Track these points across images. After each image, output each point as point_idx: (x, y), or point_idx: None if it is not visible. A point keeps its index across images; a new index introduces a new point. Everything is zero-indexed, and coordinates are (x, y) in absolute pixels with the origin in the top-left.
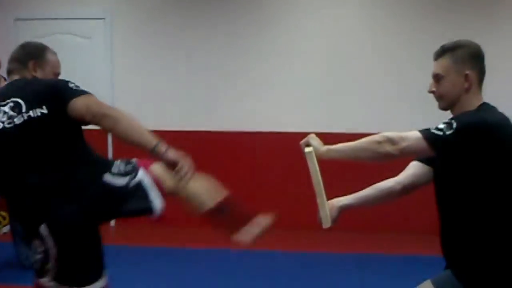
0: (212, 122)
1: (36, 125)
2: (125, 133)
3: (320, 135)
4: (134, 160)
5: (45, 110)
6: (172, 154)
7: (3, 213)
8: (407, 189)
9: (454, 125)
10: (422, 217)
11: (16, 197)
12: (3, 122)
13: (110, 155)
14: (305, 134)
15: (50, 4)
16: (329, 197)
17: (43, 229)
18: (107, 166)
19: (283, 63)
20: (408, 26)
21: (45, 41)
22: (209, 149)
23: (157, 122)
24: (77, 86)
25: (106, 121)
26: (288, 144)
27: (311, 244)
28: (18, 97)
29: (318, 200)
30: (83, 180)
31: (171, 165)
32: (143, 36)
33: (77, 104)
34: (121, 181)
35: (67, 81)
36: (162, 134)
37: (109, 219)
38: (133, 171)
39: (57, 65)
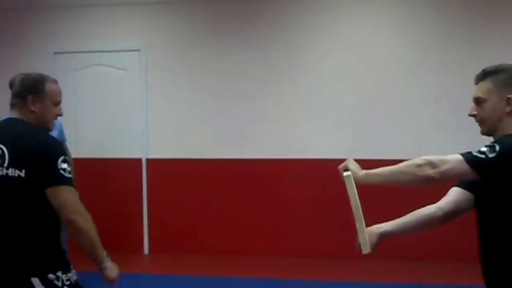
0: (244, 150)
1: (10, 185)
2: (81, 244)
3: (356, 161)
4: None
5: (22, 174)
6: (110, 272)
7: None
8: (449, 215)
9: (497, 148)
10: (460, 245)
11: None
12: None
13: (144, 181)
14: (338, 161)
15: (87, 37)
16: (368, 224)
17: None
18: (57, 261)
19: (316, 89)
20: (448, 48)
21: (82, 73)
22: (242, 177)
23: (191, 152)
24: (66, 170)
25: (70, 228)
26: (322, 171)
27: (347, 272)
28: (6, 147)
29: (357, 225)
30: (18, 264)
31: (106, 279)
32: (177, 67)
33: (54, 195)
34: None
35: (57, 153)
36: (196, 163)
37: None
38: None
39: (57, 94)
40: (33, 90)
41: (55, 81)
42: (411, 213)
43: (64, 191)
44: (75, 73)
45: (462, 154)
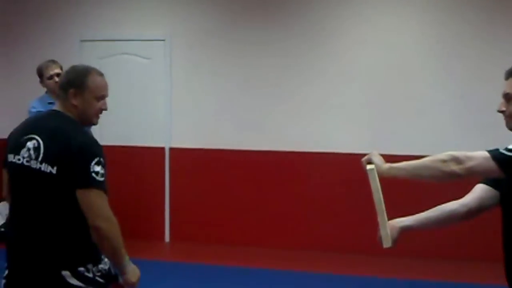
0: (266, 142)
1: (42, 180)
2: (104, 249)
3: None
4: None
5: (54, 171)
6: (129, 277)
7: None
8: (472, 212)
9: None
10: (479, 244)
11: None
12: (23, 158)
13: (167, 170)
14: (357, 155)
15: (113, 26)
16: (389, 218)
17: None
18: (87, 255)
19: (338, 83)
20: (471, 44)
21: (108, 61)
22: (262, 168)
23: (213, 141)
24: (98, 172)
25: (94, 233)
26: (342, 165)
27: (365, 268)
28: (42, 140)
29: (379, 219)
30: (49, 258)
31: (126, 283)
32: (201, 57)
33: (82, 197)
34: (80, 284)
35: (92, 157)
36: (218, 153)
37: None
38: (100, 286)
39: (100, 88)
40: (75, 83)
41: (100, 74)
42: (433, 209)
43: (92, 195)
44: (100, 61)
45: (489, 151)
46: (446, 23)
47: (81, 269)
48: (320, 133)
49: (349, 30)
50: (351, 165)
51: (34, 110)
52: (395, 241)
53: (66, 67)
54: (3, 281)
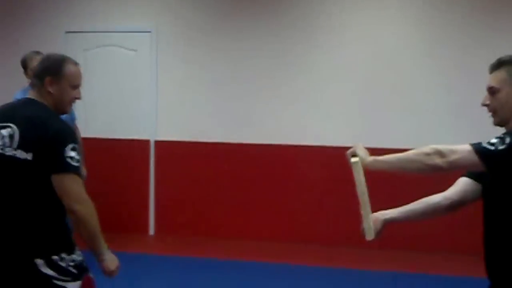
0: (252, 135)
1: (17, 167)
2: (82, 233)
3: None
4: (86, 274)
5: (29, 158)
6: (107, 264)
7: None
8: (455, 205)
9: (507, 140)
10: (463, 238)
11: None
12: None
13: (151, 163)
14: (346, 149)
15: (99, 17)
16: (374, 210)
17: None
18: (61, 243)
19: (325, 77)
20: (459, 36)
21: (93, 53)
22: (248, 161)
23: (198, 134)
24: (72, 158)
25: (72, 217)
26: (329, 158)
27: (350, 260)
28: (17, 127)
29: (362, 211)
30: (22, 246)
31: (105, 271)
32: (188, 49)
33: (58, 182)
34: (53, 274)
35: (65, 140)
36: (203, 146)
37: None
38: (73, 276)
39: (75, 77)
40: (51, 71)
41: (75, 63)
42: (417, 201)
43: (68, 179)
44: (86, 52)
45: (471, 145)
46: (433, 16)
47: (55, 257)
48: (307, 126)
49: (336, 25)
50: (337, 158)
51: None
52: (379, 234)
53: None
54: None
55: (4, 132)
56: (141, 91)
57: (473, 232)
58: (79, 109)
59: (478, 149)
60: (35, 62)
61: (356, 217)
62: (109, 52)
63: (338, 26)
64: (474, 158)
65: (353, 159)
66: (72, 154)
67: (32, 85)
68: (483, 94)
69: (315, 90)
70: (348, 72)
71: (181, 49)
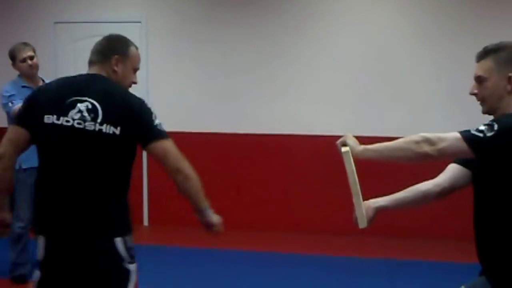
0: (245, 125)
1: (102, 142)
2: (188, 190)
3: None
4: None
5: (118, 132)
6: (213, 218)
7: None
8: (445, 192)
9: (496, 127)
10: (454, 223)
11: (46, 190)
12: (73, 120)
13: (144, 153)
14: (338, 138)
15: (88, 8)
16: (365, 198)
17: (41, 242)
18: (130, 223)
19: (317, 67)
20: (450, 26)
21: (82, 43)
22: (242, 151)
23: (190, 125)
24: (160, 125)
25: (178, 176)
26: (321, 148)
27: (343, 248)
28: (98, 102)
29: (354, 200)
30: (103, 223)
31: (209, 226)
32: (178, 39)
33: (157, 149)
34: (125, 255)
35: (151, 113)
36: (195, 136)
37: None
38: (133, 259)
39: (138, 60)
40: (119, 51)
41: (137, 47)
42: (408, 189)
43: (167, 143)
44: (75, 43)
45: (460, 132)
46: (423, 6)
47: (127, 237)
48: (299, 116)
49: (328, 15)
50: (329, 147)
51: (7, 94)
52: (371, 221)
53: (39, 50)
54: (42, 255)
55: (81, 106)
56: None
57: (465, 217)
58: None
59: (467, 136)
60: (23, 54)
61: (349, 206)
62: None
63: (329, 16)
64: (463, 145)
65: (343, 149)
66: (158, 122)
67: (91, 62)
68: (470, 83)
69: (306, 80)
70: (340, 62)
71: (172, 39)
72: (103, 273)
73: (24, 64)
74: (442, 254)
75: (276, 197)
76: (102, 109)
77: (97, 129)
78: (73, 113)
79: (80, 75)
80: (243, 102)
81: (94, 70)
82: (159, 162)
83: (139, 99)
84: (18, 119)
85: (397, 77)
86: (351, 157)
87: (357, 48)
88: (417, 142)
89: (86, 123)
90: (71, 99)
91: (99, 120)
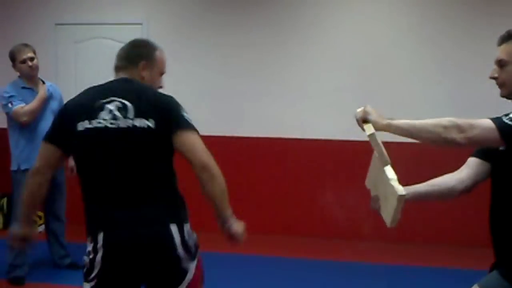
0: (244, 128)
1: (138, 136)
2: (212, 192)
3: (352, 143)
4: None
5: (152, 124)
6: (236, 227)
7: (39, 213)
8: (469, 188)
9: None
10: (452, 229)
11: (93, 190)
12: (105, 120)
13: None
14: (337, 142)
15: (89, 9)
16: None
17: (100, 238)
18: (181, 211)
19: (316, 70)
20: (451, 30)
21: (83, 45)
22: (240, 154)
23: None
24: (188, 117)
25: (203, 173)
26: (319, 151)
27: (341, 253)
28: (127, 100)
29: (389, 193)
30: (157, 211)
31: (231, 236)
32: (179, 41)
33: (183, 139)
34: (183, 254)
35: (179, 105)
36: None
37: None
38: (194, 255)
39: (164, 64)
40: (146, 56)
41: (163, 51)
42: (431, 183)
43: (194, 136)
44: (76, 45)
45: (492, 120)
46: (425, 9)
47: (186, 225)
48: (298, 119)
49: (328, 17)
50: (328, 151)
51: (7, 95)
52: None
53: (40, 51)
54: (101, 252)
55: (111, 106)
56: None
57: (463, 224)
58: None
59: (500, 124)
60: (23, 55)
61: (347, 210)
62: (99, 45)
63: (330, 18)
64: (495, 135)
65: (367, 130)
66: (187, 115)
67: (118, 68)
68: (475, 86)
69: (307, 83)
70: (341, 64)
71: (172, 40)
72: (160, 260)
73: (24, 65)
74: (441, 259)
75: (276, 200)
76: (133, 105)
77: (131, 125)
78: (103, 114)
79: (108, 81)
80: (243, 105)
81: (121, 75)
82: (185, 157)
83: (168, 96)
84: (48, 136)
85: (397, 80)
86: (378, 139)
87: (359, 50)
88: (445, 127)
89: (119, 121)
90: (99, 102)
91: (131, 116)
